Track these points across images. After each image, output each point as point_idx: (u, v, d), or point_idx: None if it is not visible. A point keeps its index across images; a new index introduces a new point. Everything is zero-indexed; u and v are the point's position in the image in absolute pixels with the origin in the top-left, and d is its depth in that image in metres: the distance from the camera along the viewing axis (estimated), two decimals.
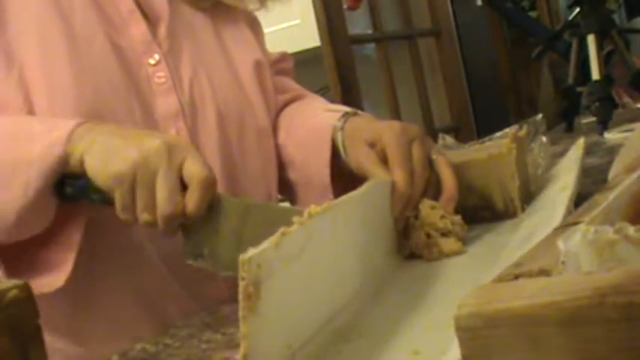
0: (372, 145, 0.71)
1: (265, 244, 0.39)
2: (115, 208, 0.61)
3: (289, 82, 0.95)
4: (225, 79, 0.79)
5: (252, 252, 0.37)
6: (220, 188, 0.69)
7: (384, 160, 0.69)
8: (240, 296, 0.36)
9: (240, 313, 0.36)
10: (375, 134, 0.71)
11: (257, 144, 0.80)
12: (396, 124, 0.71)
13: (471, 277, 0.56)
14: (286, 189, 0.86)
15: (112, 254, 0.71)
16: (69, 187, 0.63)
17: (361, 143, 0.72)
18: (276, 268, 0.39)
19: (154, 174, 0.59)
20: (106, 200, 0.62)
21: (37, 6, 0.69)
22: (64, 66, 0.68)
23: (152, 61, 0.74)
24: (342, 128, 0.76)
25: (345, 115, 0.78)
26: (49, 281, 0.64)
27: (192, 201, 0.59)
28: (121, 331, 0.71)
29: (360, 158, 0.72)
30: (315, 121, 0.81)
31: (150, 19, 0.75)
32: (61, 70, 0.67)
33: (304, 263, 0.44)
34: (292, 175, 0.84)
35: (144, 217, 0.60)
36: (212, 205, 0.61)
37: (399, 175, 0.66)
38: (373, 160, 0.70)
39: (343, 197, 0.53)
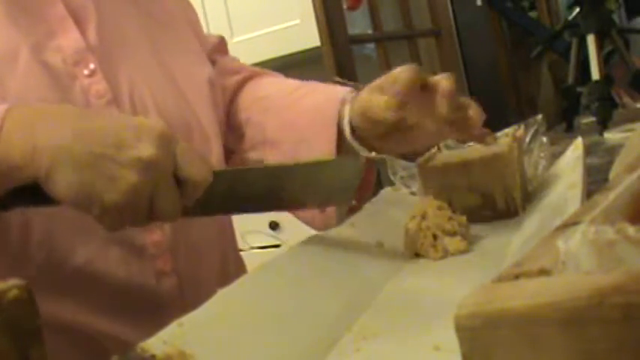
0: (379, 88, 0.69)
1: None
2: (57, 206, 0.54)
3: (237, 62, 0.91)
4: (164, 87, 0.73)
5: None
6: None
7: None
8: None
9: None
10: (382, 79, 0.69)
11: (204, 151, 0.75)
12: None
13: (480, 274, 0.57)
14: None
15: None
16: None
17: (368, 89, 0.71)
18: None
19: (153, 188, 0.53)
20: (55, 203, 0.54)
21: None
22: None
23: (87, 72, 0.66)
24: (350, 101, 0.73)
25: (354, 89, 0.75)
26: None
27: (189, 200, 0.55)
28: None
29: (366, 103, 0.70)
30: (313, 101, 0.77)
31: (79, 23, 0.68)
32: None
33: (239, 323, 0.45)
34: (271, 155, 0.79)
35: (138, 226, 0.56)
36: None
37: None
38: (380, 101, 0.68)
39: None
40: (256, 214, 0.65)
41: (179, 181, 0.54)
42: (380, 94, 0.69)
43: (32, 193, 0.53)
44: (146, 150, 0.51)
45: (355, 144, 0.72)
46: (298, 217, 0.80)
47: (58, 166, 0.50)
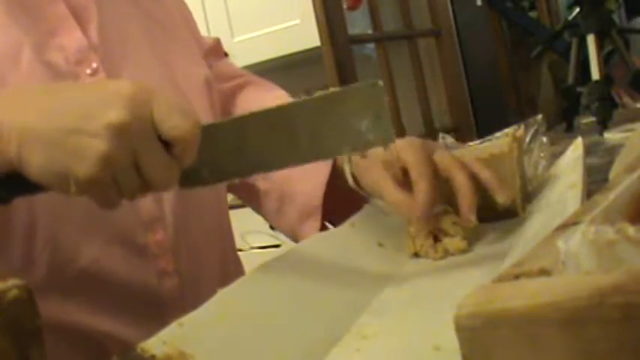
0: (389, 164, 0.67)
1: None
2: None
3: (232, 67, 0.91)
4: (165, 87, 0.72)
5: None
6: (172, 201, 0.68)
7: (402, 182, 0.66)
8: None
9: None
10: (392, 152, 0.66)
11: None
12: (413, 139, 0.68)
13: (480, 274, 0.57)
14: (247, 193, 0.82)
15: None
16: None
17: (377, 165, 0.68)
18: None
19: (133, 156, 0.49)
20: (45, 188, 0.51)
21: None
22: None
23: (89, 71, 0.66)
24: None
25: None
26: None
27: (184, 159, 0.51)
28: None
29: (376, 180, 0.68)
30: None
31: (81, 22, 0.68)
32: None
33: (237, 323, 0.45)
34: (262, 184, 0.80)
35: (136, 198, 0.52)
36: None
37: (421, 187, 0.62)
38: (389, 181, 0.66)
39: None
40: (281, 169, 0.57)
41: (167, 144, 0.51)
42: (387, 171, 0.67)
43: (19, 180, 0.50)
44: (115, 115, 0.47)
45: (357, 188, 0.71)
46: (279, 229, 0.80)
47: (27, 148, 0.49)
